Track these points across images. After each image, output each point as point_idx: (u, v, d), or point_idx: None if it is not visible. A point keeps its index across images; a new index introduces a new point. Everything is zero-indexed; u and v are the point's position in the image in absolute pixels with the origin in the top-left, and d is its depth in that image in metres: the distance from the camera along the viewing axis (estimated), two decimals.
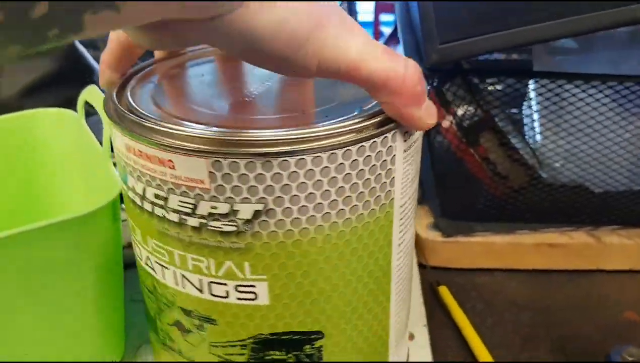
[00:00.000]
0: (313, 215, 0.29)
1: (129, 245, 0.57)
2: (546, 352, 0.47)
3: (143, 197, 0.31)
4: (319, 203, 0.29)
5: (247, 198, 0.29)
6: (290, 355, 0.34)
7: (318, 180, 0.29)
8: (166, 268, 0.33)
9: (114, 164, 0.36)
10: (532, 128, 0.53)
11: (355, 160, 0.29)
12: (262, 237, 0.30)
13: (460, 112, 0.50)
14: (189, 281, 0.32)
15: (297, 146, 0.28)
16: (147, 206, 0.31)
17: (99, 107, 0.41)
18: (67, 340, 0.39)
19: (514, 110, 0.54)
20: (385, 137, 0.29)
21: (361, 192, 0.30)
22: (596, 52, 0.53)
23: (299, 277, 0.31)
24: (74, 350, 0.39)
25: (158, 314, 0.36)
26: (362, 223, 0.31)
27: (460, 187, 0.54)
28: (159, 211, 0.31)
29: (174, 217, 0.30)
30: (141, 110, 0.31)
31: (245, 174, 0.28)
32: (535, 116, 0.52)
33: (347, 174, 0.29)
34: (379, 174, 0.30)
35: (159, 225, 0.31)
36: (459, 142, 0.50)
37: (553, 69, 0.50)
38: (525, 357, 0.46)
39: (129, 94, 0.33)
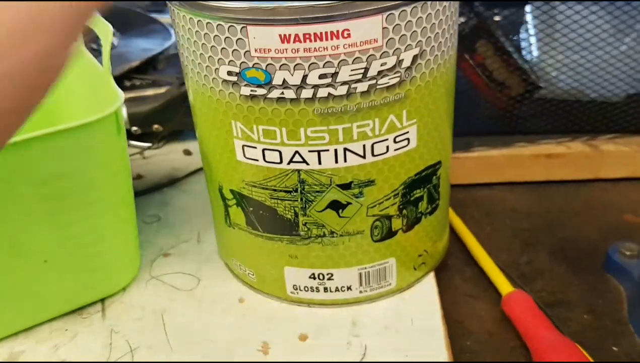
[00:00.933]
0: (444, 50, 0.35)
1: (138, 176, 0.54)
2: (545, 254, 0.48)
3: (300, 87, 0.32)
4: (446, 38, 0.35)
5: (409, 45, 0.33)
6: (424, 190, 0.39)
7: (446, 17, 0.34)
8: (325, 151, 0.34)
9: None
10: (530, 46, 0.56)
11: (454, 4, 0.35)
12: (417, 80, 0.34)
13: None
14: (351, 152, 0.35)
15: None
16: (306, 93, 0.32)
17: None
18: (86, 252, 0.40)
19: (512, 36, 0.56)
20: None
21: (455, 30, 0.36)
22: None
23: (434, 112, 0.37)
24: (92, 263, 0.41)
25: (303, 210, 0.37)
26: (454, 58, 0.38)
27: (458, 98, 0.54)
28: (323, 92, 0.32)
29: (342, 91, 0.32)
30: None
31: (410, 21, 0.32)
32: (532, 34, 0.55)
33: (453, 15, 0.35)
34: (456, 17, 0.37)
35: (320, 108, 0.33)
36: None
37: None
38: (524, 260, 0.48)
39: None
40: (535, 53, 0.58)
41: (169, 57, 0.70)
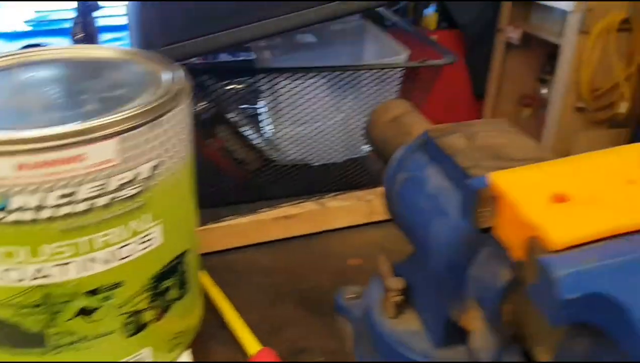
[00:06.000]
0: (183, 153, 0.38)
1: None
2: (292, 306, 0.56)
3: (40, 207, 0.32)
4: (184, 143, 0.38)
5: (148, 158, 0.35)
6: (174, 280, 0.42)
7: (183, 124, 0.38)
8: (69, 263, 0.35)
9: None
10: (264, 120, 0.62)
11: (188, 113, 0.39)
12: (158, 186, 0.37)
13: (195, 108, 0.54)
14: (96, 260, 0.36)
15: (169, 104, 0.36)
16: (46, 213, 0.33)
17: None
18: None
19: (248, 106, 0.62)
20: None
21: (191, 130, 0.40)
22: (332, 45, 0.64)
23: (178, 208, 0.40)
24: None
25: (50, 322, 0.36)
26: (192, 155, 0.42)
27: (205, 177, 0.58)
28: (65, 209, 0.33)
29: (83, 207, 0.33)
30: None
31: (147, 138, 0.34)
32: (264, 109, 0.61)
33: (187, 119, 0.39)
34: (190, 120, 0.41)
35: (63, 224, 0.33)
36: (195, 136, 0.55)
37: (285, 64, 0.57)
38: (275, 314, 0.54)
39: None
40: (270, 127, 0.66)
41: None
